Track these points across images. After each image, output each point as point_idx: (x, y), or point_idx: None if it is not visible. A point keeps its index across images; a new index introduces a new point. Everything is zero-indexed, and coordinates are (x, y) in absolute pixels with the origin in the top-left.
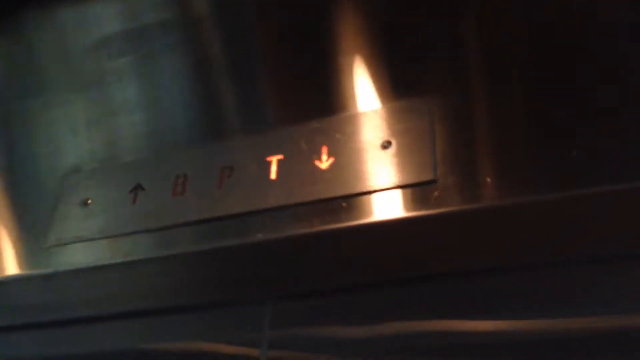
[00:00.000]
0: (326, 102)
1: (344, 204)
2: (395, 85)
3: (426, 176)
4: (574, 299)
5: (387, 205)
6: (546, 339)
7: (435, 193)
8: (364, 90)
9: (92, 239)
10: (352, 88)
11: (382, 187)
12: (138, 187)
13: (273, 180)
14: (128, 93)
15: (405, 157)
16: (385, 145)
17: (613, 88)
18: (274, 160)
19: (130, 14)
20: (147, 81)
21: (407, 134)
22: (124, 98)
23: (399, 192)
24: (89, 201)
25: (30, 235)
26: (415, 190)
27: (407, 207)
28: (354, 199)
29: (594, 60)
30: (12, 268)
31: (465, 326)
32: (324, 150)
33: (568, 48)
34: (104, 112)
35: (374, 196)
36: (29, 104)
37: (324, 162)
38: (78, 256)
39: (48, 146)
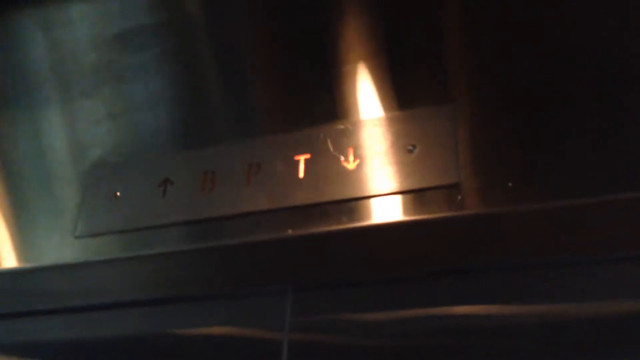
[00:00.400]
0: (352, 106)
1: (369, 204)
2: (419, 90)
3: (450, 179)
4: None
5: (411, 206)
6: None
7: (459, 196)
8: (388, 95)
9: (122, 231)
10: (377, 92)
11: (407, 189)
12: (167, 181)
13: (301, 179)
14: (153, 88)
15: (430, 161)
16: (410, 148)
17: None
18: (302, 159)
19: (152, 7)
20: (173, 76)
21: (430, 138)
22: (148, 93)
23: (423, 194)
24: (118, 194)
25: (61, 226)
26: (438, 192)
27: (431, 209)
28: (380, 200)
29: (615, 61)
30: (43, 257)
31: (476, 312)
32: (351, 151)
33: (589, 50)
34: (128, 107)
35: (399, 197)
36: (53, 95)
37: (351, 163)
38: (108, 247)
39: (74, 139)
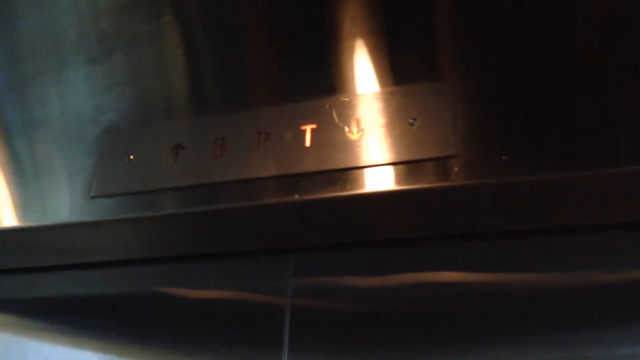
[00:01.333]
0: (357, 80)
1: (372, 173)
2: (421, 66)
3: (448, 151)
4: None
5: (411, 175)
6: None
7: (456, 168)
8: (391, 70)
9: (135, 192)
10: (381, 68)
11: (407, 160)
12: (179, 146)
13: (307, 147)
14: (166, 55)
15: (429, 134)
16: (411, 121)
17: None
18: (308, 129)
19: None
20: (185, 44)
21: (430, 112)
22: (161, 60)
23: (422, 164)
24: (131, 157)
25: (76, 186)
26: (437, 163)
27: (429, 179)
28: (381, 169)
29: (609, 35)
30: (59, 215)
31: (470, 279)
32: (355, 122)
33: (586, 24)
34: (141, 73)
35: (399, 167)
36: (68, 60)
37: (355, 134)
38: (122, 207)
39: (88, 103)
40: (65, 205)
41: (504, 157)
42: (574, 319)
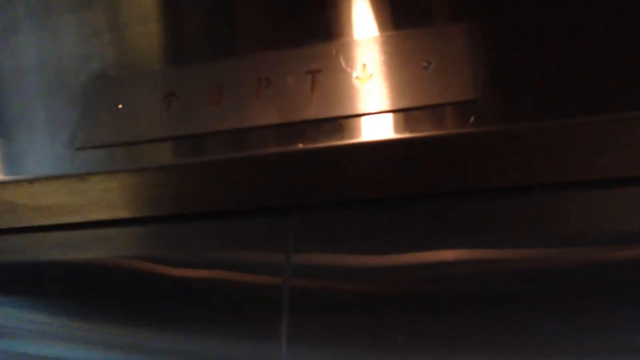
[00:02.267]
0: (365, 21)
1: (382, 119)
2: (435, 7)
3: (466, 96)
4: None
5: (426, 122)
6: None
7: (473, 113)
8: (403, 12)
9: (123, 143)
10: (391, 9)
11: (422, 105)
12: (172, 95)
13: (312, 94)
14: (155, 1)
15: (445, 77)
16: (426, 65)
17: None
18: (313, 74)
19: None
20: None
21: (446, 54)
22: (152, 4)
23: (438, 110)
24: (120, 106)
25: (60, 137)
26: (454, 108)
27: (447, 125)
28: (394, 115)
29: None
30: (41, 168)
31: (482, 255)
32: (363, 67)
33: None
34: (131, 18)
35: (413, 113)
36: (53, 6)
37: (363, 79)
38: (109, 159)
39: (73, 50)
40: (47, 157)
41: (527, 102)
42: (595, 295)
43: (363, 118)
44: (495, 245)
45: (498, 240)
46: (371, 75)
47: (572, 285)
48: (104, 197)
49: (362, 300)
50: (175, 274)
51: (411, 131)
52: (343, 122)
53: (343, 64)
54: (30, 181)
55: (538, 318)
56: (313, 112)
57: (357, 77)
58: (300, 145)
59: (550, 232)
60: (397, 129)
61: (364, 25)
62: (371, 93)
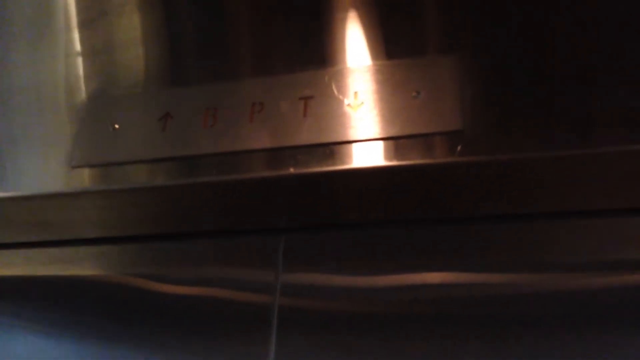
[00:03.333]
0: (358, 51)
1: (373, 147)
2: (425, 38)
3: (453, 126)
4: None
5: (414, 150)
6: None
7: (460, 142)
8: (394, 42)
9: (119, 163)
10: (384, 39)
11: (411, 134)
12: (167, 116)
13: (304, 119)
14: (155, 21)
15: (434, 107)
16: (415, 94)
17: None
18: (306, 100)
19: None
20: (177, 10)
21: (436, 84)
22: (150, 26)
23: (426, 139)
24: (116, 126)
25: (57, 155)
26: (442, 138)
27: (434, 154)
28: (383, 143)
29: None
30: (38, 185)
31: (466, 279)
32: (355, 94)
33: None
34: (129, 39)
35: (402, 141)
36: (52, 25)
37: (355, 106)
38: (104, 178)
39: (71, 69)
40: (44, 174)
41: (512, 132)
42: (576, 321)
43: (354, 145)
44: (478, 270)
45: (482, 264)
46: (362, 103)
47: (552, 311)
48: (99, 215)
49: (350, 320)
50: (166, 290)
51: (400, 159)
52: (334, 148)
53: (335, 91)
54: (27, 198)
55: (518, 341)
56: (305, 137)
57: (348, 105)
58: (292, 170)
59: (532, 258)
60: (387, 156)
61: (356, 54)
62: (362, 120)
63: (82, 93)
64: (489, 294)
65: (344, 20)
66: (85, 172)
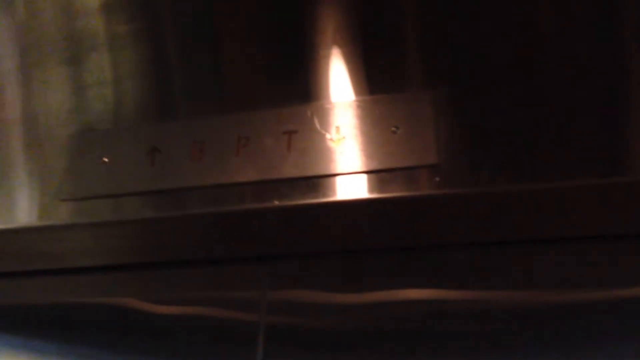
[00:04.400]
0: (339, 87)
1: (353, 180)
2: (404, 74)
3: (430, 160)
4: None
5: (393, 183)
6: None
7: (437, 176)
8: (374, 78)
9: (109, 196)
10: (364, 75)
11: (390, 167)
12: (155, 150)
13: (288, 153)
14: (143, 56)
15: (412, 142)
16: (394, 129)
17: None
18: (289, 134)
19: None
20: (163, 47)
21: (414, 120)
22: (138, 61)
23: (404, 172)
24: (105, 159)
25: (46, 188)
26: (419, 172)
27: (412, 187)
28: (363, 176)
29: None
30: (27, 218)
31: (450, 296)
32: (336, 129)
33: (570, 34)
34: (117, 75)
35: (381, 175)
36: (42, 59)
37: (336, 141)
38: (94, 210)
39: (61, 104)
40: (34, 207)
41: (486, 167)
42: (556, 338)
43: (336, 178)
44: (459, 288)
45: (462, 285)
46: (344, 137)
47: (530, 328)
48: (89, 246)
49: (335, 336)
50: (155, 312)
51: (380, 191)
52: (317, 181)
53: (318, 126)
54: (17, 231)
55: (505, 357)
56: (289, 170)
57: (330, 139)
58: (276, 202)
59: (507, 281)
60: (368, 189)
61: (338, 90)
62: (343, 154)
63: (72, 127)
64: (473, 311)
65: (326, 58)
66: (74, 205)
